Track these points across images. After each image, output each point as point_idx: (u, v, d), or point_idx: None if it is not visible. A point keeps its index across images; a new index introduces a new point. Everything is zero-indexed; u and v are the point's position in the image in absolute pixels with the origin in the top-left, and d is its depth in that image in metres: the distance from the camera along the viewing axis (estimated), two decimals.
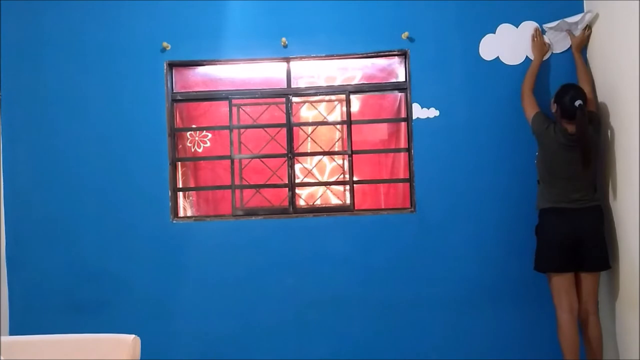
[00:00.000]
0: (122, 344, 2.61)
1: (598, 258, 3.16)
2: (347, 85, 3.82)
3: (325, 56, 3.68)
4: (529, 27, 3.55)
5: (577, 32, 3.42)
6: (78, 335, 2.76)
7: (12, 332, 3.61)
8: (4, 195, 3.68)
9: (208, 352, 3.60)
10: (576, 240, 3.13)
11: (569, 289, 3.17)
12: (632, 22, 2.92)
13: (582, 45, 3.45)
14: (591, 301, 3.20)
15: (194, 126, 4.00)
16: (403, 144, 3.76)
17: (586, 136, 3.08)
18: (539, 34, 3.49)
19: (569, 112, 3.14)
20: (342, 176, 3.87)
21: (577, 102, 3.08)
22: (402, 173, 3.80)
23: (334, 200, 4.03)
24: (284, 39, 3.63)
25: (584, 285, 3.19)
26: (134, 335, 2.65)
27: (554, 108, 3.28)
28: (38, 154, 3.68)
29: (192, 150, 4.01)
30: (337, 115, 4.02)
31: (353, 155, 3.74)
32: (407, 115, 3.66)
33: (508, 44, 3.56)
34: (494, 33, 3.58)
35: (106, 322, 3.52)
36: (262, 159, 3.86)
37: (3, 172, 3.69)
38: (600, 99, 3.34)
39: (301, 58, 3.69)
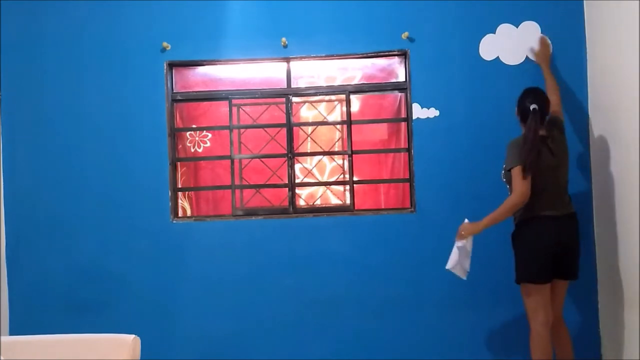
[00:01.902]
0: (122, 344, 2.61)
1: (576, 266, 3.13)
2: (347, 85, 3.82)
3: (325, 56, 3.67)
4: (529, 27, 3.55)
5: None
6: (78, 335, 2.76)
7: (12, 332, 3.61)
8: (4, 195, 3.68)
9: (208, 352, 3.60)
10: (561, 247, 3.05)
11: (548, 301, 3.07)
12: (633, 23, 2.92)
13: (547, 59, 3.45)
14: (561, 307, 3.19)
15: (194, 126, 4.00)
16: (403, 144, 3.76)
17: (536, 135, 2.98)
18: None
19: (524, 119, 3.08)
20: (342, 176, 3.87)
21: (532, 106, 3.03)
22: (402, 173, 3.80)
23: (334, 200, 4.03)
24: (284, 39, 3.63)
25: (559, 292, 3.15)
26: (134, 335, 2.65)
27: (516, 112, 3.18)
28: (38, 154, 3.68)
29: (192, 150, 4.01)
30: (337, 115, 4.02)
31: (353, 155, 3.74)
32: (407, 115, 3.66)
33: (508, 44, 3.56)
34: (494, 33, 3.58)
35: (106, 322, 3.52)
36: (262, 159, 3.86)
37: (3, 172, 3.69)
38: (600, 99, 3.36)
39: (301, 58, 3.69)
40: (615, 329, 3.28)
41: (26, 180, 3.68)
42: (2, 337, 2.56)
